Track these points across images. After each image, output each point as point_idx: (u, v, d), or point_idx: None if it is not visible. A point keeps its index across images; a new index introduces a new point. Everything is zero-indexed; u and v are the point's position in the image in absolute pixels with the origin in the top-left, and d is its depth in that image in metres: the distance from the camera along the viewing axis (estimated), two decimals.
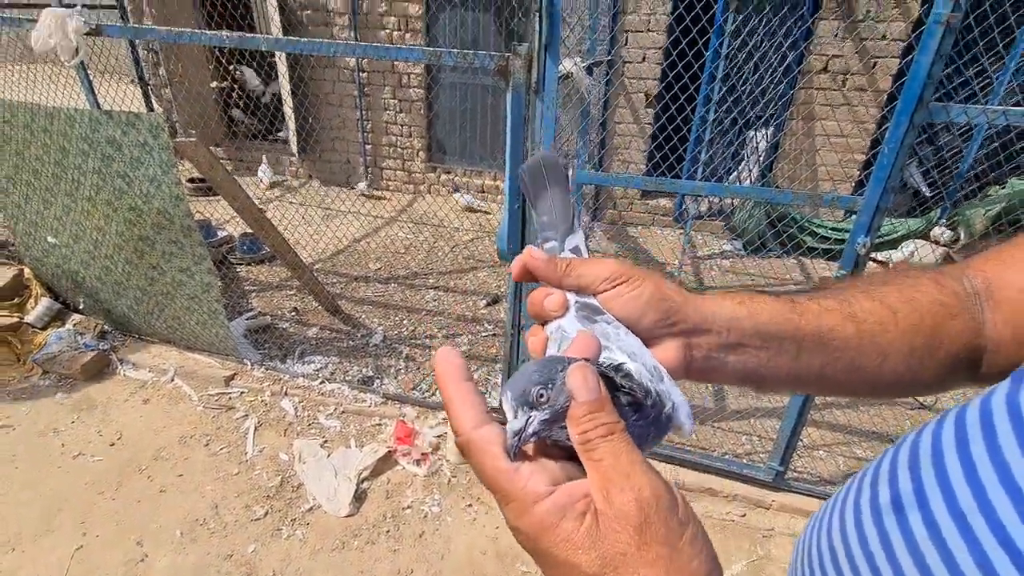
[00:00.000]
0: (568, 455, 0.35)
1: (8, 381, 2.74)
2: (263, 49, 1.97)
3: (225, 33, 1.92)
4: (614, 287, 0.43)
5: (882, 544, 0.37)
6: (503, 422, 0.34)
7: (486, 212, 5.17)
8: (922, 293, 0.47)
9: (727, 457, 2.41)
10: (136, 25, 2.08)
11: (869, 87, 4.14)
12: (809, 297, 0.48)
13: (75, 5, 2.08)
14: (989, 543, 0.31)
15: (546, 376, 0.34)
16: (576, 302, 0.43)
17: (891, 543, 0.36)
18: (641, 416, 0.37)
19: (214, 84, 5.11)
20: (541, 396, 0.33)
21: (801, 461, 2.42)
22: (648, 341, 0.42)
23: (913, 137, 1.54)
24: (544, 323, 0.44)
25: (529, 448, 0.35)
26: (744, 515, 2.26)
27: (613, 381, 0.35)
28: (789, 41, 3.83)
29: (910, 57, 1.43)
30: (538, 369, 0.34)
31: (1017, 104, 4.06)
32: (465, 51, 1.74)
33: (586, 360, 0.35)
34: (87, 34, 2.07)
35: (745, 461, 2.37)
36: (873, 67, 4.09)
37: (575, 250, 0.48)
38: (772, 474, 2.24)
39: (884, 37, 4.00)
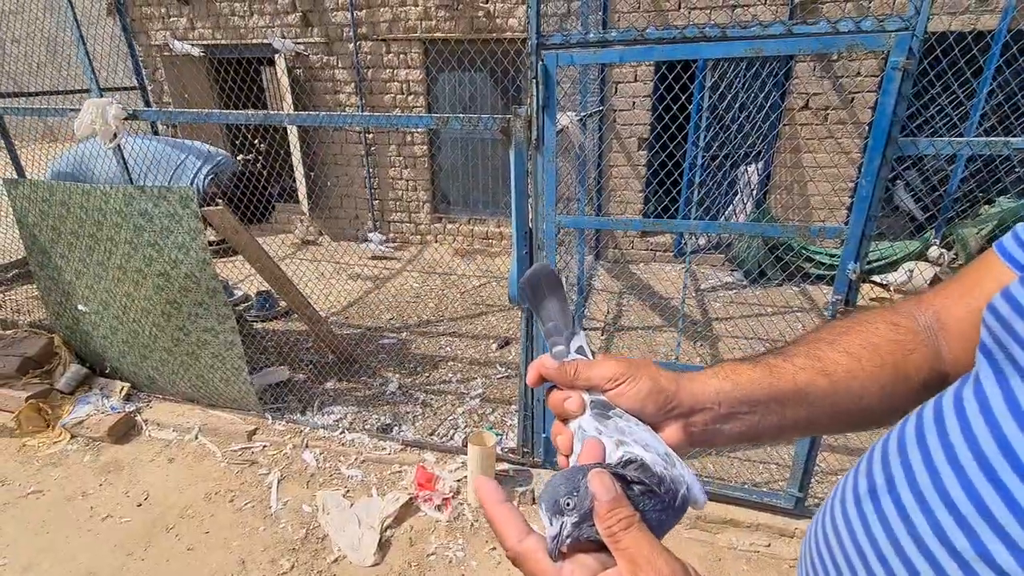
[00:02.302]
0: (599, 547, 0.41)
1: (38, 447, 2.82)
2: (286, 124, 2.15)
3: (251, 111, 2.11)
4: (617, 386, 0.49)
5: (863, 525, 0.44)
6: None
7: (394, 259, 5.37)
8: (879, 336, 0.54)
9: (746, 487, 2.42)
10: (168, 109, 2.28)
11: (849, 120, 4.35)
12: (784, 358, 0.54)
13: (112, 92, 2.30)
14: (941, 512, 0.38)
15: (571, 486, 0.41)
16: (590, 400, 0.50)
17: (869, 524, 0.44)
18: (657, 501, 0.43)
19: (240, 156, 5.46)
20: (568, 503, 0.40)
21: (821, 487, 2.43)
22: (653, 427, 0.49)
23: (888, 170, 1.67)
24: (566, 420, 0.52)
25: (566, 548, 0.41)
26: (769, 545, 2.26)
27: (626, 477, 0.42)
28: (769, 84, 4.06)
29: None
30: (563, 482, 0.41)
31: (994, 127, 4.24)
32: (470, 116, 1.91)
33: (599, 464, 0.43)
34: (125, 119, 2.28)
35: (765, 490, 2.38)
36: (851, 102, 4.31)
37: (580, 350, 0.54)
38: (792, 501, 2.26)
39: (859, 74, 4.23)
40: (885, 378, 0.52)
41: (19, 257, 4.60)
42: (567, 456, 0.50)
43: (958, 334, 0.52)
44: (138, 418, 3.00)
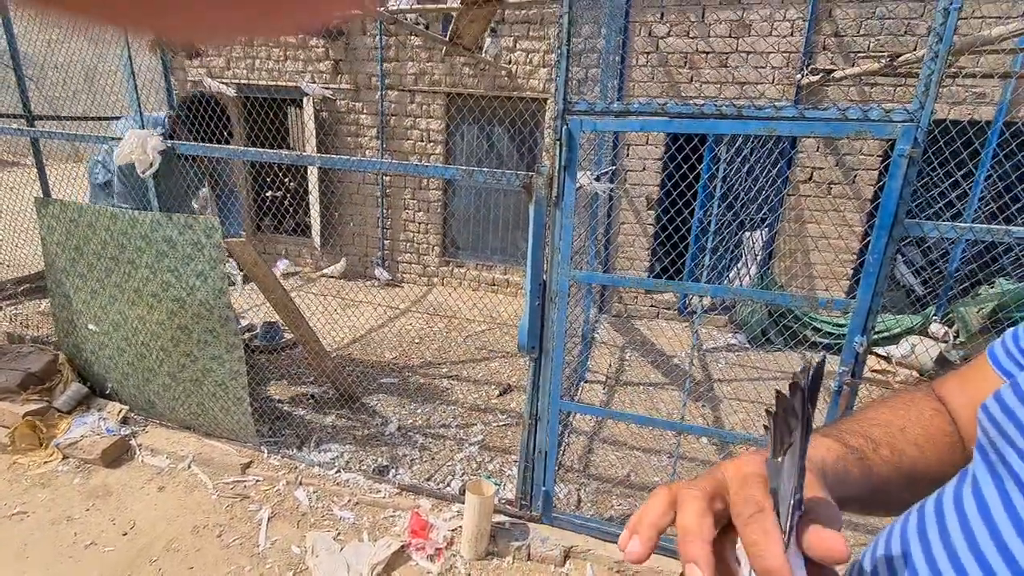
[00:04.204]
0: None
1: (28, 466, 2.77)
2: (317, 166, 2.26)
3: (284, 152, 2.21)
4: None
5: None
6: None
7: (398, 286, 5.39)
8: (935, 428, 0.58)
9: None
10: (204, 144, 2.40)
11: (853, 195, 4.50)
12: (873, 447, 0.53)
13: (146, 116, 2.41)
14: None
15: None
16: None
17: None
18: None
19: (269, 193, 5.65)
20: None
21: None
22: None
23: (894, 248, 1.74)
24: None
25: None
26: None
27: None
28: (776, 155, 4.24)
29: (887, 162, 1.66)
30: None
31: (994, 214, 4.38)
32: (494, 170, 2.00)
33: None
34: (162, 151, 2.39)
35: None
36: (854, 180, 4.47)
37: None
38: None
39: (861, 152, 4.42)
40: (942, 469, 0.55)
41: (31, 272, 4.67)
42: None
43: (961, 422, 0.57)
44: (132, 442, 2.96)
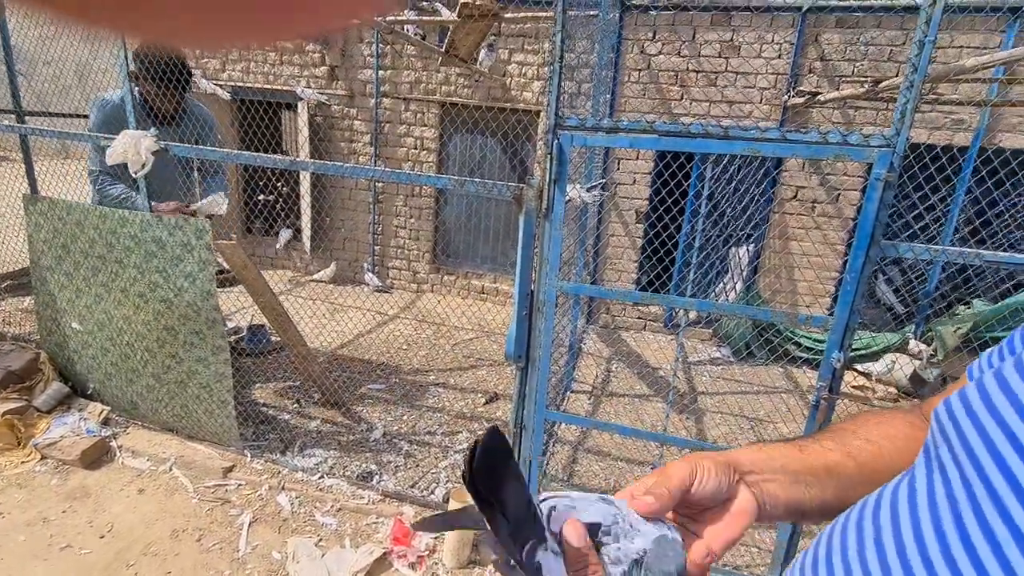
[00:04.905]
0: None
1: (5, 466, 2.72)
2: (311, 171, 2.28)
3: (278, 156, 2.23)
4: (698, 484, 0.53)
5: None
6: None
7: (389, 292, 5.40)
8: (896, 429, 0.60)
9: (727, 568, 2.39)
10: (198, 147, 2.41)
11: (835, 214, 4.61)
12: (812, 440, 0.59)
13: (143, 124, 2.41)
14: None
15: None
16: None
17: None
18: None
19: (261, 197, 5.64)
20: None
21: None
22: (726, 499, 0.54)
23: (871, 268, 1.80)
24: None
25: None
26: None
27: None
28: (761, 173, 4.33)
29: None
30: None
31: (965, 238, 4.51)
32: (486, 181, 2.04)
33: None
34: (154, 152, 2.39)
35: (745, 573, 2.36)
36: (837, 199, 4.58)
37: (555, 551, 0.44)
38: None
39: (845, 173, 4.53)
40: (903, 465, 0.57)
41: (14, 269, 4.60)
42: None
43: None
44: (113, 444, 2.93)
